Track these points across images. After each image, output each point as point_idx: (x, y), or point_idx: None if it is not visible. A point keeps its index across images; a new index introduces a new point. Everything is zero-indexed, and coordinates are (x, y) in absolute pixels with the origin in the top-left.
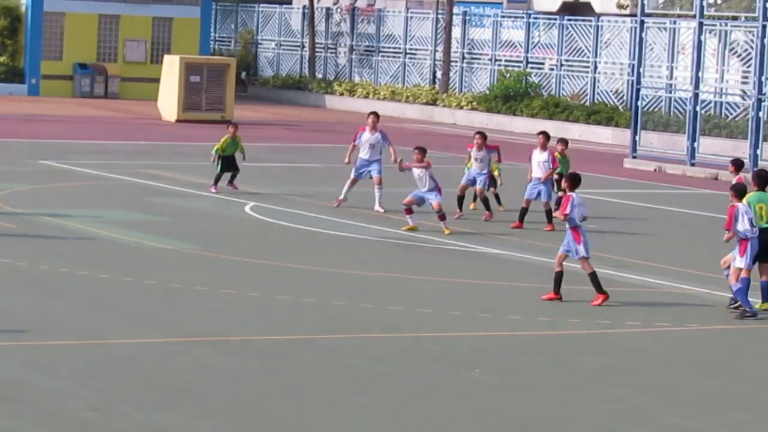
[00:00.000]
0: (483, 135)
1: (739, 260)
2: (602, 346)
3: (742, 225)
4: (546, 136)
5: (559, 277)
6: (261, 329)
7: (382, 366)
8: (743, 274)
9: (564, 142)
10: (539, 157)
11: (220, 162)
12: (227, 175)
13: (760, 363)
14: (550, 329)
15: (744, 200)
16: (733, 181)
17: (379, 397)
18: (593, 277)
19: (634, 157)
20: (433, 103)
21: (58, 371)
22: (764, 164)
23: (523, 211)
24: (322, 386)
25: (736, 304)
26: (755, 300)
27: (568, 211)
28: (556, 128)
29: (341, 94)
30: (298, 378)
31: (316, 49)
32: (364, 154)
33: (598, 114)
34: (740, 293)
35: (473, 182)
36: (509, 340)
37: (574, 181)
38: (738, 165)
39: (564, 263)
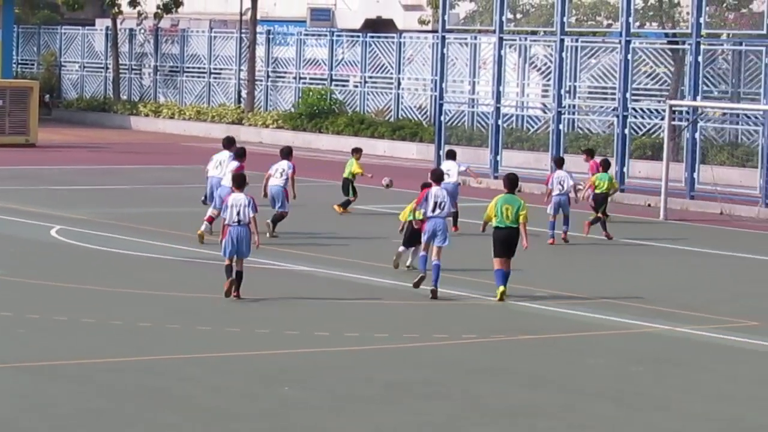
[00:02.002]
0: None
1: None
2: (410, 359)
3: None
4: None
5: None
6: (67, 353)
7: (192, 386)
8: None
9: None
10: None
11: None
12: None
13: (563, 371)
14: (358, 344)
15: (493, 201)
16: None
17: (190, 417)
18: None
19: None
20: (239, 122)
21: None
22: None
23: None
24: (131, 408)
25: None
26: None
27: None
28: (362, 145)
29: (146, 115)
30: (106, 401)
31: (121, 71)
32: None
33: (403, 130)
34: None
35: None
36: (318, 356)
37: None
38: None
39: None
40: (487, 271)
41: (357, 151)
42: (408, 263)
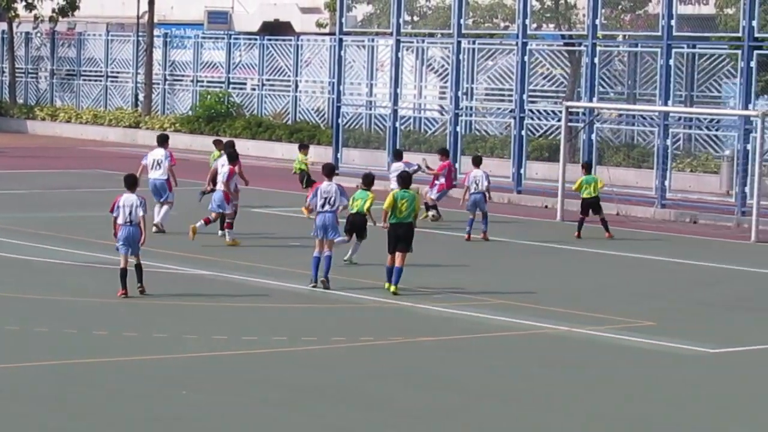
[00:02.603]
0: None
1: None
2: (308, 362)
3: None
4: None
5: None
6: None
7: (89, 391)
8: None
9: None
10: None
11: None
12: None
13: (463, 372)
14: (257, 348)
15: (389, 196)
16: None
17: (86, 422)
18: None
19: (337, 174)
20: (137, 125)
21: None
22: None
23: None
24: (24, 413)
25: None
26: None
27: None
28: (260, 148)
29: (43, 119)
30: (5, 406)
31: (17, 74)
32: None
33: (301, 132)
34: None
35: None
36: (216, 359)
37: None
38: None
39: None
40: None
41: (304, 147)
42: (346, 257)
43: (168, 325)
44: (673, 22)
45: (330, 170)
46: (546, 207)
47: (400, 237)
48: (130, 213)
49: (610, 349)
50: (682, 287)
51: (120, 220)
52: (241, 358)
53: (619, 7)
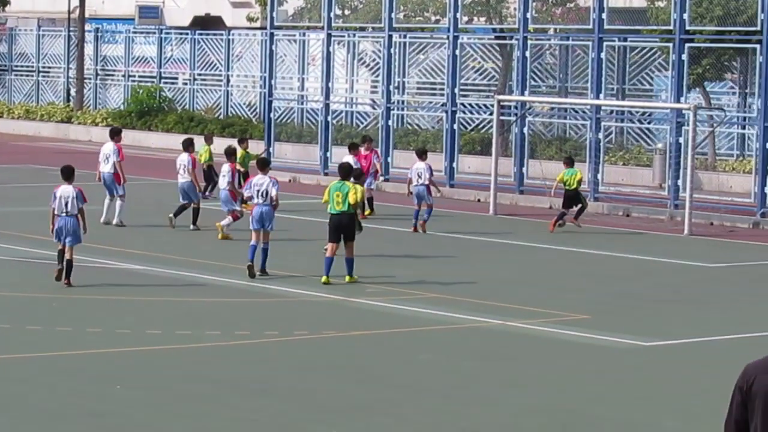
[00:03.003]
0: None
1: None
2: (241, 356)
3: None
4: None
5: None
6: None
7: (22, 386)
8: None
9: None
10: None
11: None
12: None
13: (394, 367)
14: (190, 342)
15: (327, 188)
16: None
17: (19, 418)
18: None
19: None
20: (69, 120)
21: None
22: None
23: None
24: None
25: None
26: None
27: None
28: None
29: None
30: None
31: None
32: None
33: (233, 127)
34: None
35: None
36: (150, 354)
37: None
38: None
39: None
40: (322, 266)
41: (243, 141)
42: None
43: (101, 320)
44: (604, 15)
45: (263, 164)
46: (479, 201)
47: (338, 227)
48: (66, 204)
49: (544, 342)
50: (616, 280)
51: (56, 211)
52: (173, 352)
53: (550, 0)
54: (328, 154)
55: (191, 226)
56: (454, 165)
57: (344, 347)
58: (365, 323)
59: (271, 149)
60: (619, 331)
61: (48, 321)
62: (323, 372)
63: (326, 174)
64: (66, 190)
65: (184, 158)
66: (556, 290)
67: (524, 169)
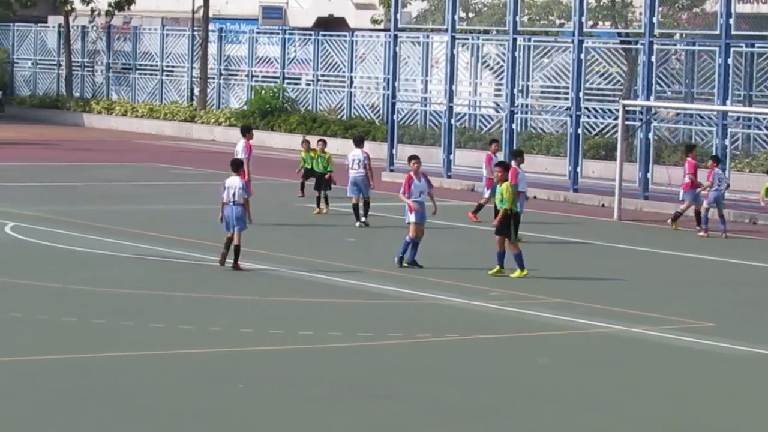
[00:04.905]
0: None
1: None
2: (364, 358)
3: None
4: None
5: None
6: (21, 350)
7: (145, 384)
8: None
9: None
10: None
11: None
12: None
13: (517, 371)
14: (312, 343)
15: None
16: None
17: (142, 416)
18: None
19: (392, 170)
20: (192, 119)
21: None
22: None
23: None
24: (78, 405)
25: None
26: None
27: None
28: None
29: (99, 113)
30: (58, 397)
31: (73, 68)
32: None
33: (355, 128)
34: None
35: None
36: (272, 354)
37: None
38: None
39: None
40: (449, 270)
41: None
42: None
43: (224, 319)
44: (731, 21)
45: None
46: (603, 206)
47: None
48: (234, 194)
49: (668, 349)
50: (742, 287)
51: (224, 200)
52: (296, 352)
53: (676, 5)
54: (452, 157)
55: (357, 223)
56: (578, 170)
57: (468, 351)
58: (490, 327)
59: (394, 151)
60: (743, 339)
61: (170, 319)
62: (442, 375)
63: (449, 176)
64: (233, 181)
65: (357, 153)
66: (682, 297)
67: (649, 175)
